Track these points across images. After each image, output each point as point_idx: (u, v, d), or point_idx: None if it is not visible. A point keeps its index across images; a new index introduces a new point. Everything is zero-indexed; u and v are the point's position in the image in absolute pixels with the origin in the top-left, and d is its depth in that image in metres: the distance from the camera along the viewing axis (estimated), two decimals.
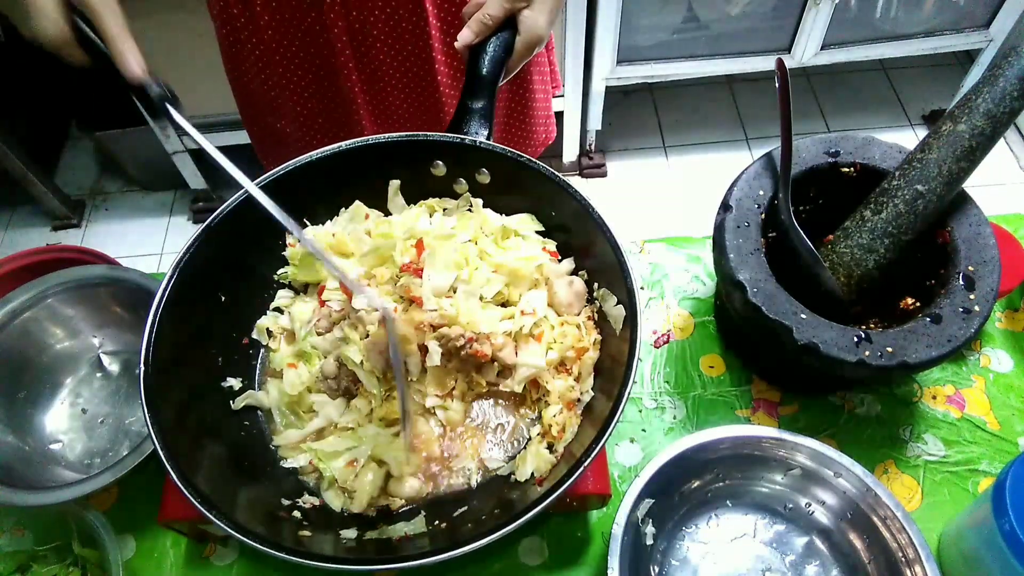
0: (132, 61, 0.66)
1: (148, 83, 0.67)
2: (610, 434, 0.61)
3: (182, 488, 0.59)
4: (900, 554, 0.69)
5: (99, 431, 0.88)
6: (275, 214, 0.64)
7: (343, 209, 0.82)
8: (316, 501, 0.71)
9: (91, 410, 0.89)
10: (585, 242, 0.74)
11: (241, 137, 2.03)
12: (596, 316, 0.77)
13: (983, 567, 0.70)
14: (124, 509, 0.83)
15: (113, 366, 0.92)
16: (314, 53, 0.97)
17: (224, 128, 2.04)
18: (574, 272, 0.80)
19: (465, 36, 0.78)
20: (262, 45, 0.96)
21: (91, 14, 0.65)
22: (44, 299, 0.87)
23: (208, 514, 0.59)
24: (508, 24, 0.79)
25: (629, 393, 0.62)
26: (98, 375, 0.92)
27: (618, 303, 0.72)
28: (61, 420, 0.89)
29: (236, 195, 0.73)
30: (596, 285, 0.77)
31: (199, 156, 2.15)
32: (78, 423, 0.89)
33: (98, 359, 0.92)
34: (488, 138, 0.76)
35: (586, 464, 0.60)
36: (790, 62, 2.08)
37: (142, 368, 0.64)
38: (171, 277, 0.69)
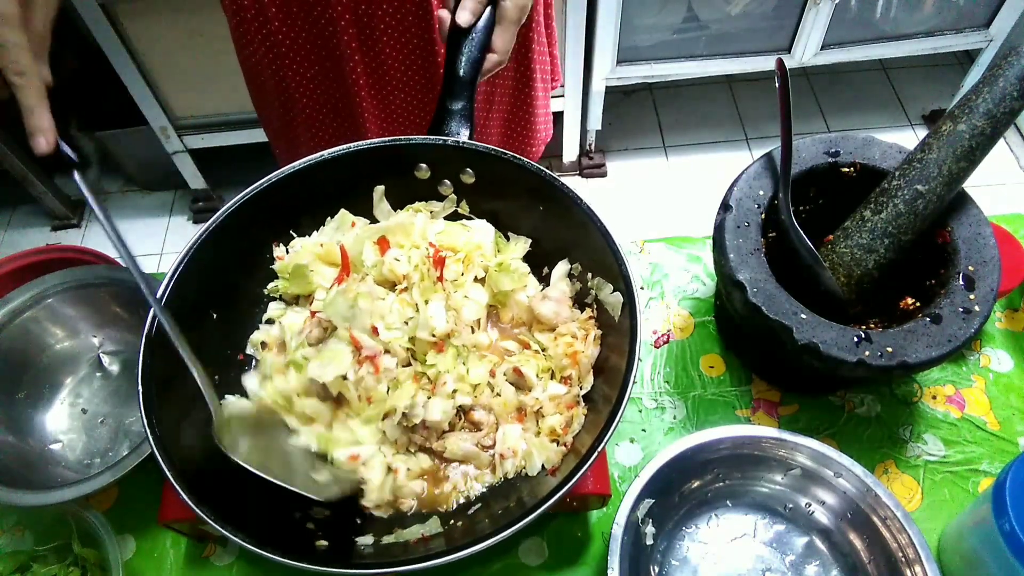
0: (42, 139, 0.64)
1: (61, 152, 0.65)
2: (619, 419, 0.61)
3: (196, 508, 0.59)
4: (900, 554, 0.69)
5: (99, 431, 0.88)
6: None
7: (329, 218, 0.81)
8: (327, 512, 0.70)
9: (91, 410, 0.89)
10: (575, 234, 0.74)
11: (240, 137, 2.04)
12: (595, 312, 0.77)
13: (983, 567, 0.70)
14: (124, 509, 0.83)
15: (113, 366, 0.92)
16: (321, 45, 0.97)
17: (224, 128, 2.04)
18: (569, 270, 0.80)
19: (464, 17, 0.77)
20: (272, 36, 0.96)
21: (14, 79, 0.62)
22: (44, 299, 0.87)
23: (223, 530, 0.58)
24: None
25: (633, 381, 0.62)
26: (98, 375, 0.92)
27: (614, 291, 0.72)
28: (61, 420, 0.89)
29: (218, 213, 0.72)
30: (590, 275, 0.76)
31: (199, 156, 2.15)
32: (78, 423, 0.89)
33: (98, 359, 0.92)
34: (470, 138, 0.76)
35: (599, 449, 0.60)
36: (790, 62, 2.08)
37: (141, 389, 0.63)
38: (161, 299, 0.67)
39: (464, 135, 0.76)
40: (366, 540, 0.67)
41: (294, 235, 0.81)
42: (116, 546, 0.74)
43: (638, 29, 1.99)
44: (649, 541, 0.74)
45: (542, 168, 0.73)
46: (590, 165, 2.37)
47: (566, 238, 0.78)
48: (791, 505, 0.78)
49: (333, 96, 1.04)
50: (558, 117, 2.16)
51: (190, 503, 0.59)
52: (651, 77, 2.12)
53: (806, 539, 0.77)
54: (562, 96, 2.09)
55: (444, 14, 0.78)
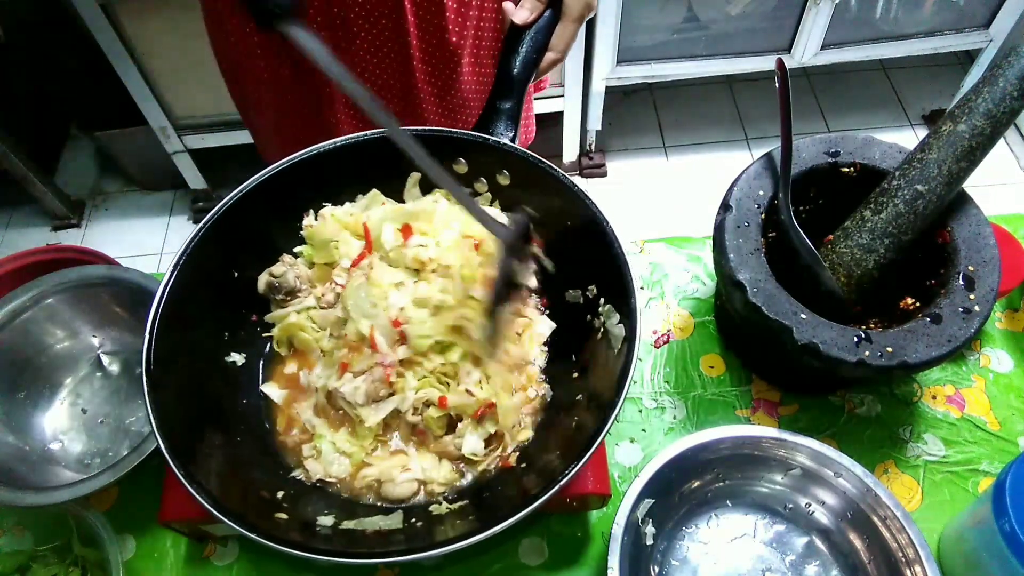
0: None
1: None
2: (593, 452, 0.60)
3: (186, 483, 0.59)
4: (900, 554, 0.69)
5: (99, 431, 0.88)
6: None
7: (360, 195, 0.82)
8: (291, 490, 0.71)
9: (91, 410, 0.89)
10: (597, 258, 0.73)
11: (241, 137, 2.04)
12: (601, 331, 0.75)
13: (983, 567, 0.70)
14: (124, 509, 0.83)
15: (113, 366, 0.92)
16: (294, 48, 0.97)
17: (224, 128, 2.04)
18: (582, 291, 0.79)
19: (521, 15, 0.77)
20: (245, 39, 0.96)
21: None
22: (44, 299, 0.87)
23: (210, 507, 0.58)
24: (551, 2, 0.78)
25: (616, 417, 0.61)
26: (98, 375, 0.92)
27: (619, 322, 0.71)
28: (61, 420, 0.89)
29: (258, 174, 0.75)
30: (602, 301, 0.75)
31: (199, 156, 2.15)
32: (78, 423, 0.89)
33: (98, 359, 0.92)
34: (513, 140, 0.77)
35: (567, 479, 0.59)
36: (790, 62, 2.08)
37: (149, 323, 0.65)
38: (192, 240, 0.70)
39: (507, 136, 0.77)
40: (325, 521, 0.67)
41: (325, 205, 0.82)
42: (116, 546, 0.74)
43: (638, 29, 1.99)
44: (649, 541, 0.74)
45: (576, 184, 0.73)
46: (590, 165, 2.37)
47: (586, 259, 0.76)
48: (791, 505, 0.78)
49: (307, 100, 1.03)
50: (558, 117, 2.16)
51: (194, 491, 0.59)
52: (651, 77, 2.12)
53: (806, 539, 0.77)
54: (562, 96, 2.09)
55: (509, 6, 0.78)
